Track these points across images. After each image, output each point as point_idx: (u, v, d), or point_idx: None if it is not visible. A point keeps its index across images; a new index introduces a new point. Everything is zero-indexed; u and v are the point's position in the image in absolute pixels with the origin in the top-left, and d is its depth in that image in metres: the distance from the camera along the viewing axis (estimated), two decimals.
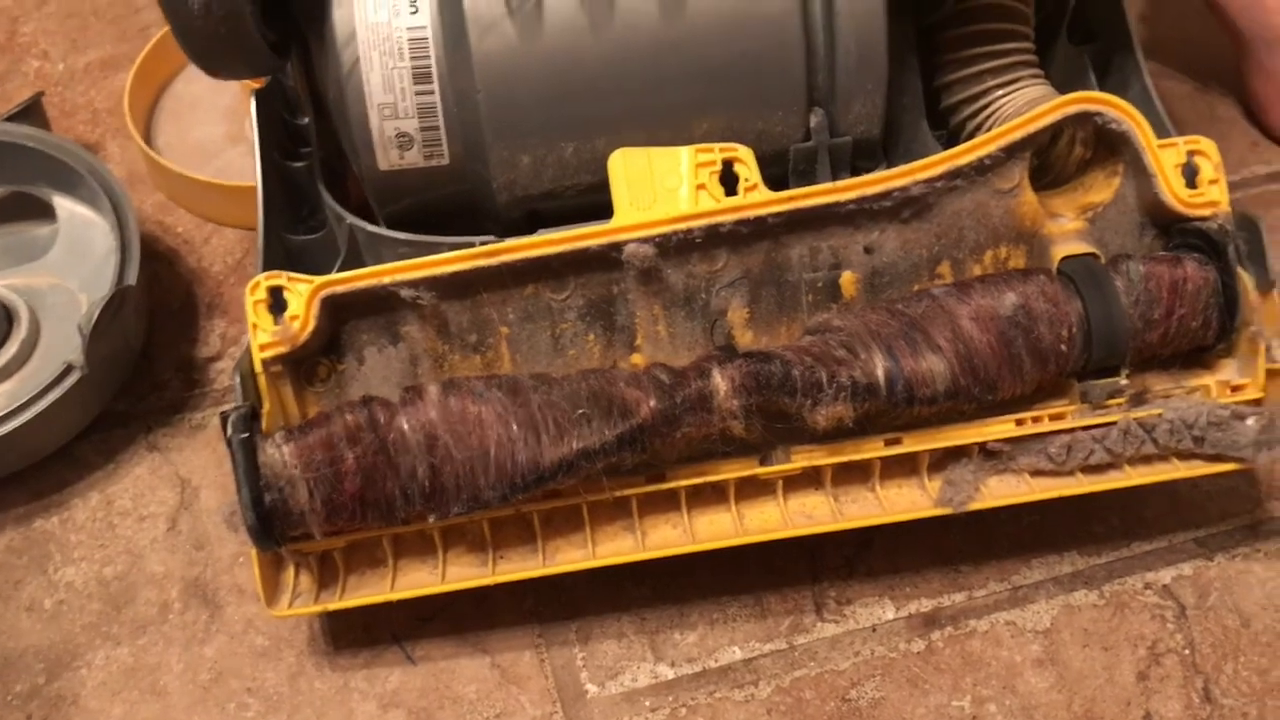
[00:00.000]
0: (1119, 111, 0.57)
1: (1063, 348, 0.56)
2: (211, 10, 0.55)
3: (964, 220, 0.58)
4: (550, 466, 0.52)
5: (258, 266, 0.63)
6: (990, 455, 0.58)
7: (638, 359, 0.58)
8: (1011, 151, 0.57)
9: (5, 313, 0.70)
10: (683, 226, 0.56)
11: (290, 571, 0.58)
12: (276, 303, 0.55)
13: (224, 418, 0.52)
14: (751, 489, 0.59)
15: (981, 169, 0.57)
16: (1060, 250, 0.59)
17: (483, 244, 0.56)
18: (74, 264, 0.73)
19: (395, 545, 0.58)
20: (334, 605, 0.57)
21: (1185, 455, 0.59)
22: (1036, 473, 0.59)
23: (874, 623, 0.62)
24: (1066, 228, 0.59)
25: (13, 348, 0.69)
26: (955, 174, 0.57)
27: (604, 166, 0.57)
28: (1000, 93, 0.64)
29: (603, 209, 0.56)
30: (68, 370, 0.65)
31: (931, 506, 0.58)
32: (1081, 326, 0.56)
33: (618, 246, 0.56)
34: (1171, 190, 0.58)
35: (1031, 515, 0.65)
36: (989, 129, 0.64)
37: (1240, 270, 0.57)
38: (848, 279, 0.58)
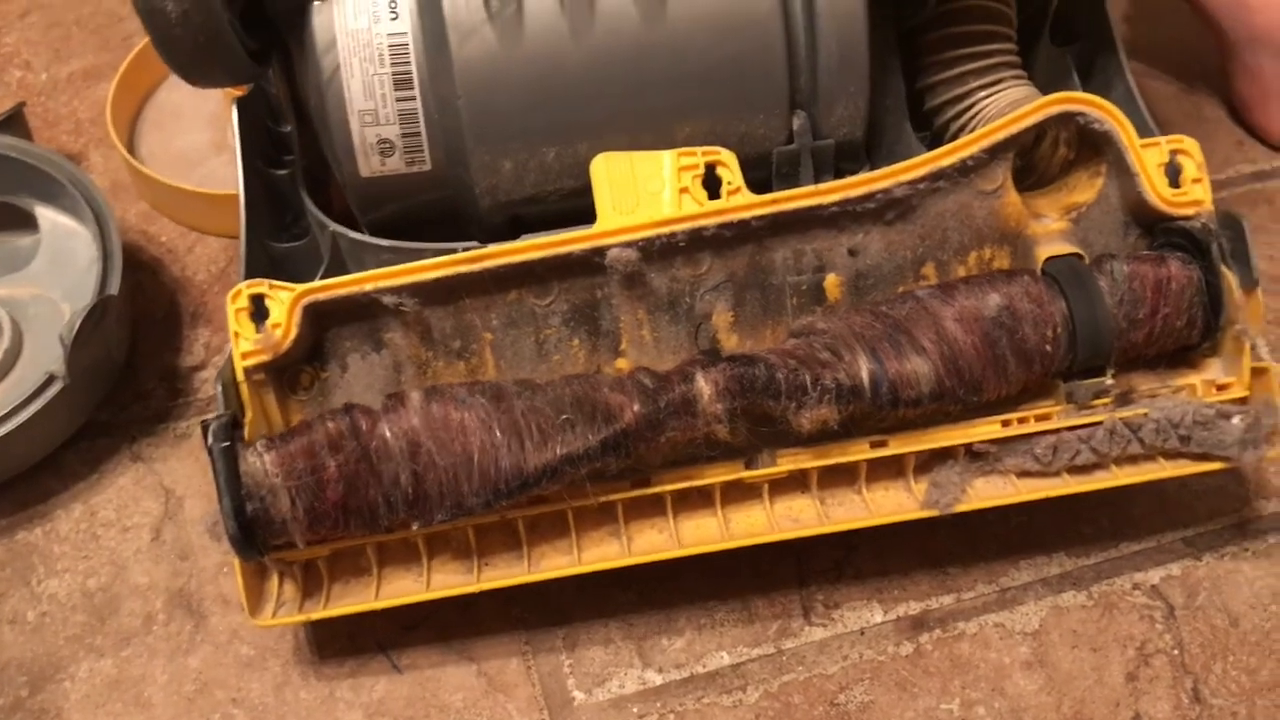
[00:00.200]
0: (1101, 111, 0.57)
1: (1047, 348, 0.55)
2: (190, 19, 0.55)
3: (948, 221, 0.58)
4: (534, 472, 0.52)
5: (240, 274, 0.62)
6: (976, 457, 0.58)
7: (623, 363, 0.58)
8: (994, 152, 0.57)
9: None
10: (666, 230, 0.55)
11: (274, 581, 0.57)
12: (258, 311, 0.55)
13: (205, 427, 0.52)
14: (737, 493, 0.59)
15: (964, 170, 0.57)
16: (1044, 251, 0.59)
17: (466, 250, 0.56)
18: (56, 274, 0.73)
19: (379, 553, 0.58)
20: (318, 614, 0.57)
21: (1171, 455, 0.59)
22: (1023, 474, 0.59)
23: (862, 626, 0.62)
24: (1050, 228, 0.59)
25: None
26: (938, 175, 0.57)
27: (587, 171, 0.57)
28: (983, 94, 0.64)
29: (587, 213, 0.56)
30: (50, 381, 0.65)
31: (918, 508, 0.58)
32: (1066, 327, 0.56)
33: (601, 251, 0.55)
34: (1155, 190, 0.58)
35: (1019, 516, 0.64)
36: (972, 130, 0.63)
37: (1224, 269, 0.57)
38: (832, 281, 0.58)
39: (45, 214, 0.74)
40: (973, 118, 0.64)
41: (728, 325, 0.58)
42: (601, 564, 0.57)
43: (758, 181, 0.58)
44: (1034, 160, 0.62)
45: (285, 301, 0.54)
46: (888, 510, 0.58)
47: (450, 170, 0.60)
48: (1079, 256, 0.58)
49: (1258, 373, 0.58)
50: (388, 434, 0.52)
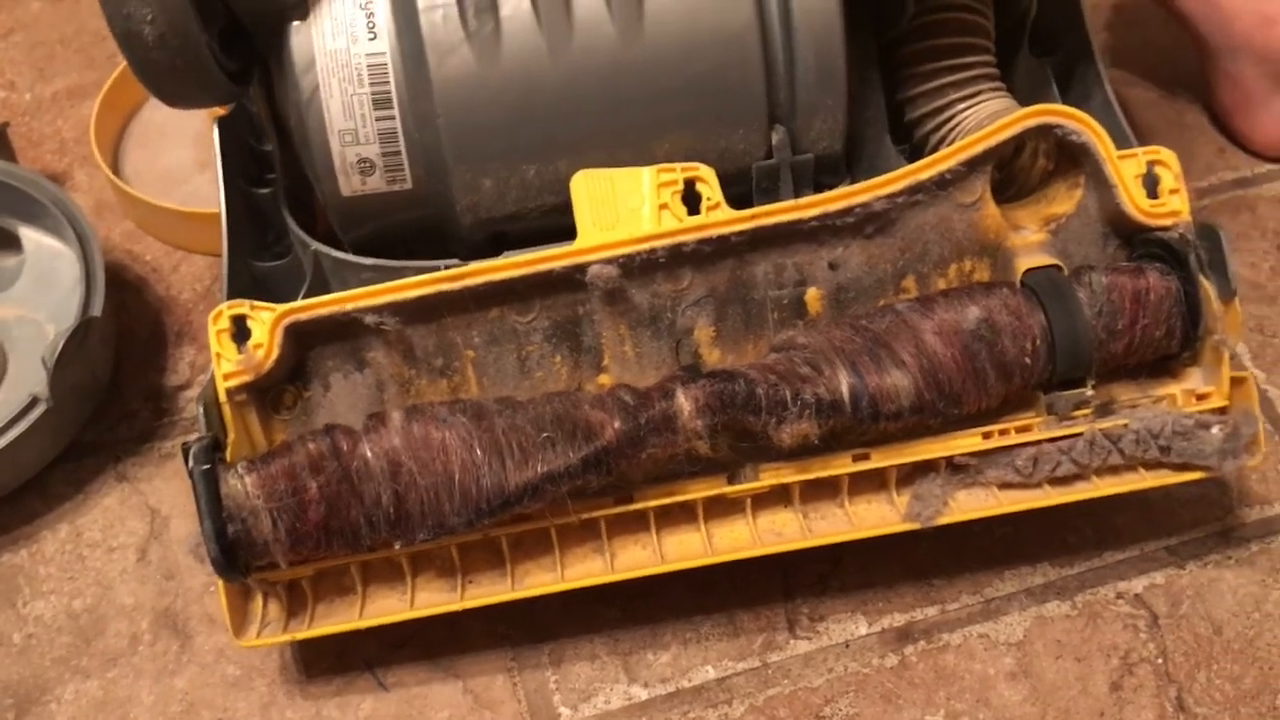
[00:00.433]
0: (1078, 123, 0.57)
1: (1027, 360, 0.56)
2: (167, 42, 0.55)
3: (927, 234, 0.58)
4: (515, 491, 0.52)
5: (222, 294, 0.63)
6: (958, 469, 0.58)
7: (605, 379, 0.58)
8: (973, 165, 0.57)
9: None
10: (646, 247, 0.56)
11: (258, 601, 0.57)
12: (240, 331, 0.55)
13: (185, 449, 0.52)
14: (720, 508, 0.59)
15: (943, 183, 0.57)
16: (1024, 262, 0.59)
17: (447, 267, 0.56)
18: (41, 295, 0.73)
19: (363, 572, 0.58)
20: (303, 634, 0.57)
21: (1152, 465, 0.59)
22: (1004, 485, 0.59)
23: (847, 638, 0.62)
24: (1030, 240, 0.60)
25: None
26: (916, 189, 0.57)
27: (567, 188, 0.57)
28: (962, 106, 0.64)
29: (570, 230, 0.56)
30: (33, 403, 0.65)
31: (900, 521, 0.58)
32: (1045, 339, 0.56)
33: (581, 268, 0.55)
34: (1133, 201, 0.58)
35: (1003, 526, 0.65)
36: (951, 142, 0.64)
37: (1202, 279, 0.57)
38: (813, 295, 0.58)
39: (29, 235, 0.75)
40: (952, 129, 0.65)
41: (710, 340, 0.58)
42: (585, 580, 0.57)
43: (738, 196, 0.59)
44: (1014, 171, 0.62)
45: (267, 322, 0.55)
46: (870, 523, 0.58)
47: (431, 188, 0.60)
48: (1058, 268, 0.59)
49: (1237, 382, 0.58)
50: (369, 454, 0.52)
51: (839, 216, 0.56)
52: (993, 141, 0.57)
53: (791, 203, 0.56)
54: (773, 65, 0.59)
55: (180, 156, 0.85)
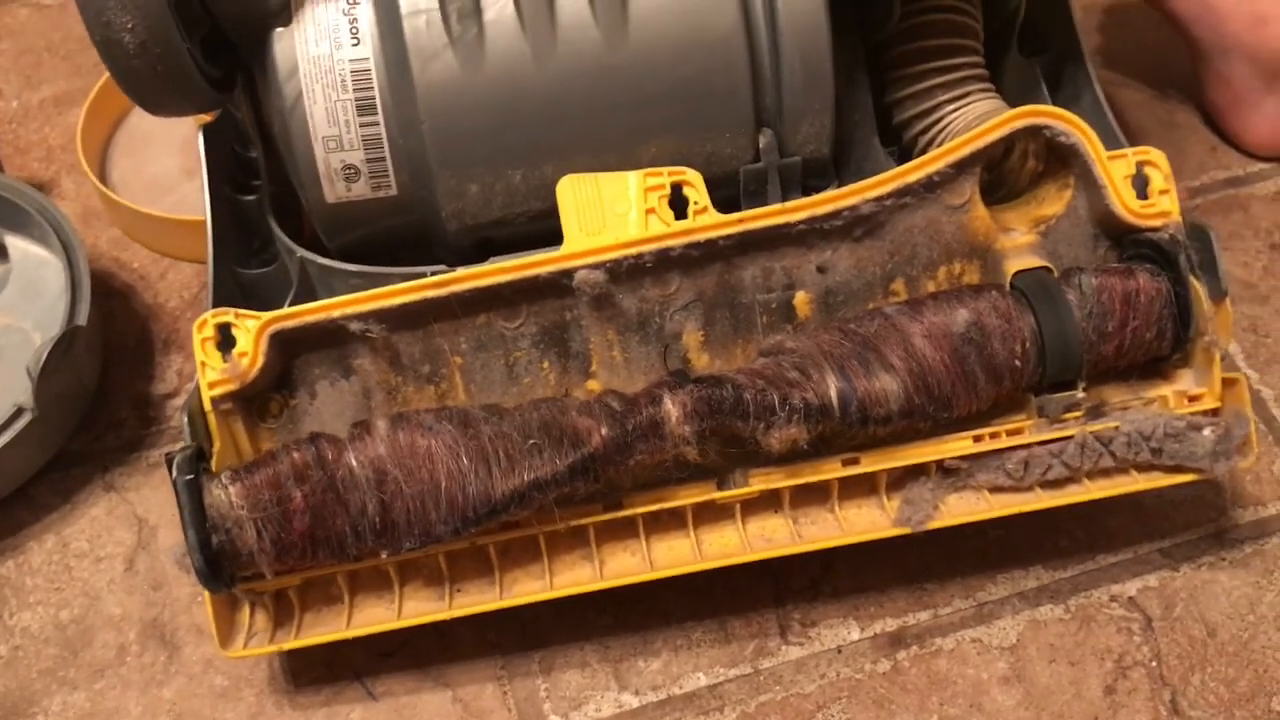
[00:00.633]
0: (1067, 124, 0.57)
1: (1017, 363, 0.55)
2: (148, 49, 0.54)
3: (916, 237, 0.58)
4: (502, 499, 0.52)
5: (208, 301, 0.62)
6: (948, 473, 0.58)
7: (594, 385, 0.57)
8: (961, 167, 0.57)
9: None
10: (633, 251, 0.55)
11: (245, 611, 0.57)
12: (225, 340, 0.54)
13: (169, 459, 0.52)
14: (710, 514, 0.58)
15: (931, 186, 0.57)
16: (1013, 264, 0.59)
17: (434, 274, 0.56)
18: (27, 304, 0.73)
19: (351, 581, 0.57)
20: (290, 644, 0.56)
21: (1144, 467, 0.58)
22: (995, 489, 0.58)
23: (839, 644, 0.62)
24: (1019, 241, 0.59)
25: None
26: (905, 191, 0.56)
27: (553, 193, 0.56)
28: (950, 108, 0.64)
29: (557, 234, 0.56)
30: (18, 413, 0.65)
31: (890, 526, 0.57)
32: (1035, 341, 0.55)
33: (568, 273, 0.55)
34: (1122, 201, 0.57)
35: (996, 530, 0.64)
36: (940, 144, 0.63)
37: (1193, 280, 0.56)
38: (801, 299, 0.58)
39: (15, 243, 0.74)
40: (941, 131, 0.64)
41: (698, 344, 0.58)
42: (574, 588, 0.57)
43: (725, 200, 0.58)
44: (1003, 173, 0.62)
45: (252, 330, 0.54)
46: (861, 528, 0.58)
47: (416, 194, 0.60)
48: (1048, 270, 0.58)
49: (1229, 383, 0.58)
50: (354, 463, 0.51)
51: (827, 220, 0.56)
52: (981, 143, 0.56)
53: (779, 206, 0.56)
54: (759, 69, 0.59)
55: (167, 164, 0.84)
